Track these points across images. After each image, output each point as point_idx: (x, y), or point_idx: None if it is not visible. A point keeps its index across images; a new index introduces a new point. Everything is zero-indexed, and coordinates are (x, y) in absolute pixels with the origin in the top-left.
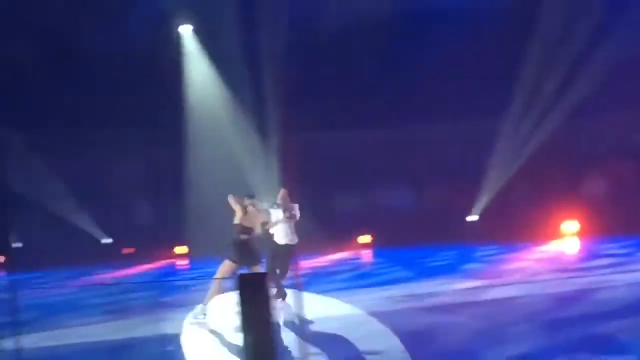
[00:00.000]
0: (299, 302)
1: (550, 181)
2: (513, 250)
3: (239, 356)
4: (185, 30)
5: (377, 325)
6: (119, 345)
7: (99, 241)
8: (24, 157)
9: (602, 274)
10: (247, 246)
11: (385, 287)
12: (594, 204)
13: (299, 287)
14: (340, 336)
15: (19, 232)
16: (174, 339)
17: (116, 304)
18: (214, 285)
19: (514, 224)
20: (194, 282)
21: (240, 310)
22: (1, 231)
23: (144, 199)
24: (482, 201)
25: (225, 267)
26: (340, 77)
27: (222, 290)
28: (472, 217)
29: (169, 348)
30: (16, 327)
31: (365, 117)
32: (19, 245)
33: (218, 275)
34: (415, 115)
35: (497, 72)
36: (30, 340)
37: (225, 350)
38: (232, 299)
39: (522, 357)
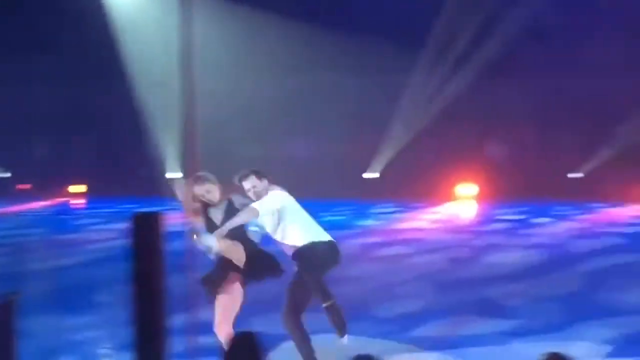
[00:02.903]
0: None
1: (452, 143)
2: (410, 209)
3: None
4: None
5: None
6: None
7: None
8: None
9: (496, 239)
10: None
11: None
12: (493, 167)
13: None
14: None
15: None
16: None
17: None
18: None
19: (413, 183)
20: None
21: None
22: None
23: (45, 135)
24: (383, 158)
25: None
26: None
27: None
28: (372, 174)
29: None
30: None
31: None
32: None
33: None
34: (321, 65)
35: (407, 26)
36: None
37: None
38: None
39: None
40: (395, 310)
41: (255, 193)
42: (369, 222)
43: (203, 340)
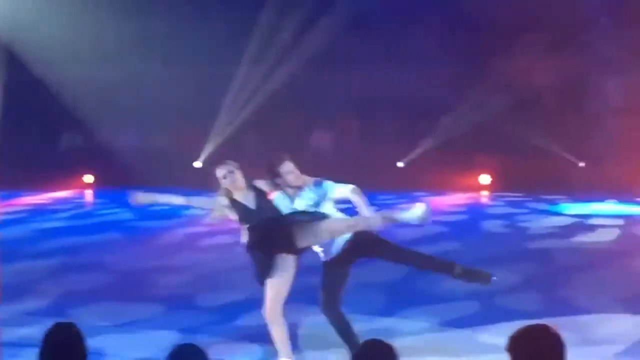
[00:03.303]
0: None
1: (278, 133)
2: None
3: None
4: None
5: None
6: None
7: None
8: None
9: None
10: None
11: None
12: (318, 157)
13: None
14: None
15: None
16: None
17: None
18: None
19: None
20: None
21: None
22: None
23: None
24: (209, 148)
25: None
26: None
27: None
28: (198, 164)
29: None
30: None
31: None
32: None
33: None
34: (144, 55)
35: (233, 15)
36: None
37: None
38: None
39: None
40: (219, 299)
41: (294, 176)
42: (195, 212)
43: (20, 331)
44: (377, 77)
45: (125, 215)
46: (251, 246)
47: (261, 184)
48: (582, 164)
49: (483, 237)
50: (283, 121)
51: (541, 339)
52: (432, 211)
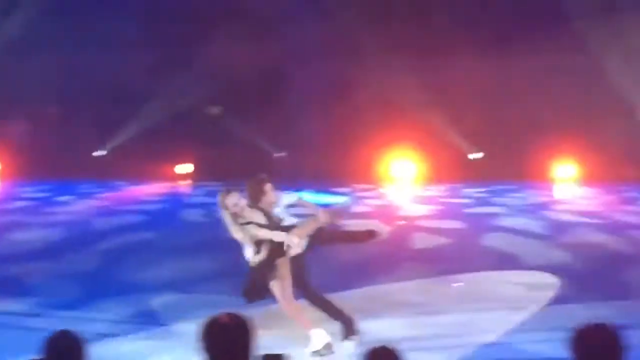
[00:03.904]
0: None
1: None
2: None
3: None
4: None
5: None
6: None
7: None
8: None
9: (18, 217)
10: None
11: None
12: (16, 146)
13: None
14: None
15: None
16: None
17: None
18: None
19: None
20: None
21: None
22: None
23: None
24: None
25: None
26: None
27: None
28: None
29: None
30: None
31: None
32: None
33: None
34: None
35: None
36: None
37: None
38: None
39: None
40: None
41: (274, 193)
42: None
43: None
44: (74, 63)
45: None
46: (257, 259)
47: (248, 203)
48: (280, 154)
49: (182, 226)
50: None
51: (228, 325)
52: (132, 201)
